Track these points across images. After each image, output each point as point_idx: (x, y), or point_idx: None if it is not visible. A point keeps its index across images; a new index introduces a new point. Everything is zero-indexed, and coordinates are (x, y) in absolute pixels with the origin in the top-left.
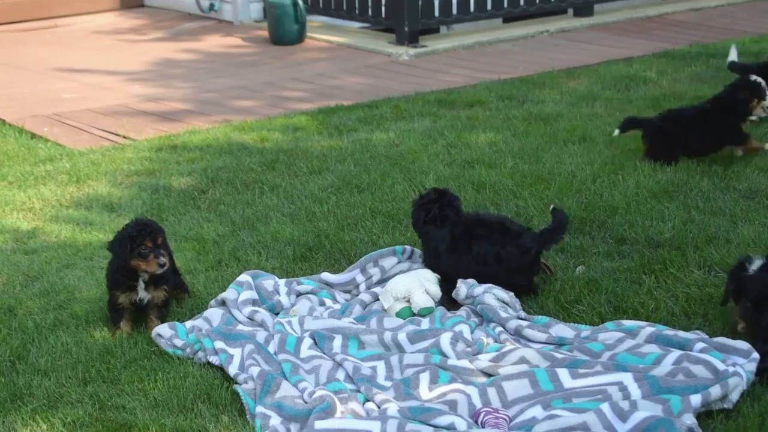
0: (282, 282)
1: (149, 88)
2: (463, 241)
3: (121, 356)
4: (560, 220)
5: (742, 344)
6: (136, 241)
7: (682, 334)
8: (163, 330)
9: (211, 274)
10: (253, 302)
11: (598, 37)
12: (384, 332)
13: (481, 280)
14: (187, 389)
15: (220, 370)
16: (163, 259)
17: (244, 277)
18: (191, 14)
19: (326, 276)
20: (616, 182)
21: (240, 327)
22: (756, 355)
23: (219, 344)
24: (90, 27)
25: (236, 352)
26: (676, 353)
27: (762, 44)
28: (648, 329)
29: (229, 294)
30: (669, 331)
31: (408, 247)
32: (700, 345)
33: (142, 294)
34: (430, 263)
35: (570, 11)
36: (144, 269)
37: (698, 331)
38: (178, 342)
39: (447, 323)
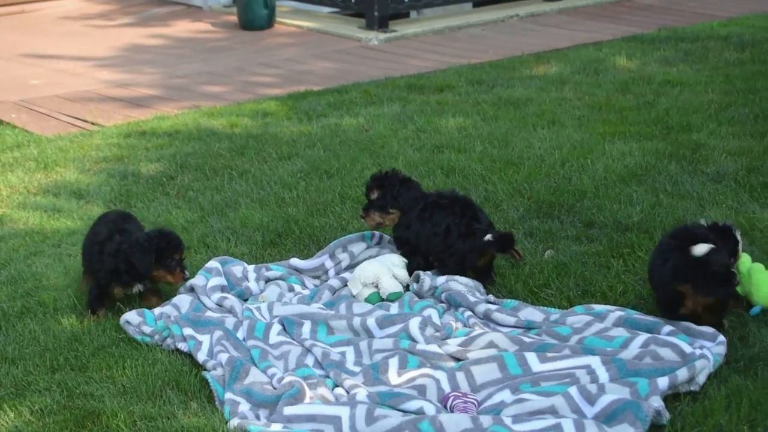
0: (251, 268)
1: (118, 74)
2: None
3: (90, 344)
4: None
5: (708, 328)
6: (165, 253)
7: (650, 318)
8: (131, 317)
9: None
10: (222, 288)
11: (568, 22)
12: (353, 317)
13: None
14: (156, 376)
15: (189, 356)
16: (187, 273)
17: (212, 264)
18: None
19: (295, 262)
20: (584, 166)
21: (209, 313)
22: (722, 338)
23: (187, 331)
24: (58, 12)
25: (205, 339)
26: (643, 336)
27: (730, 28)
28: (617, 313)
29: (197, 280)
30: (637, 315)
31: (377, 233)
32: (667, 328)
33: (138, 287)
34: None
35: None
36: (168, 280)
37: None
38: (147, 329)
39: (416, 308)
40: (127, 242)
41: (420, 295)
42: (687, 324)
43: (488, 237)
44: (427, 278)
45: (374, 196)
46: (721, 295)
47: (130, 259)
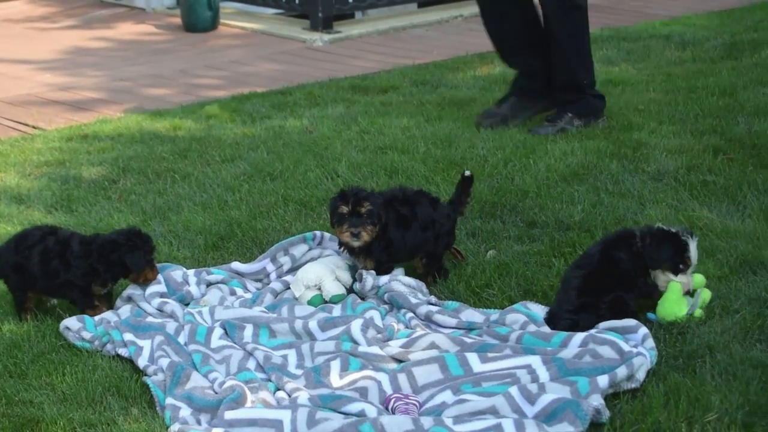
0: (191, 272)
1: (60, 77)
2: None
3: (29, 350)
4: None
5: (629, 321)
6: (147, 250)
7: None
8: (71, 323)
9: None
10: (162, 294)
11: None
12: (295, 320)
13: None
14: (96, 382)
15: (130, 362)
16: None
17: None
18: (103, 1)
19: (236, 265)
20: (527, 166)
21: (149, 319)
22: (645, 329)
23: (128, 336)
24: None
25: (146, 344)
26: (581, 334)
27: (672, 27)
28: (519, 332)
29: (133, 290)
30: (546, 331)
31: (318, 233)
32: (593, 330)
33: (109, 288)
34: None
35: None
36: (148, 277)
37: None
38: (87, 335)
39: (358, 310)
40: (95, 243)
41: (362, 295)
42: (609, 323)
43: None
44: (369, 278)
45: (365, 209)
46: None
47: (110, 258)
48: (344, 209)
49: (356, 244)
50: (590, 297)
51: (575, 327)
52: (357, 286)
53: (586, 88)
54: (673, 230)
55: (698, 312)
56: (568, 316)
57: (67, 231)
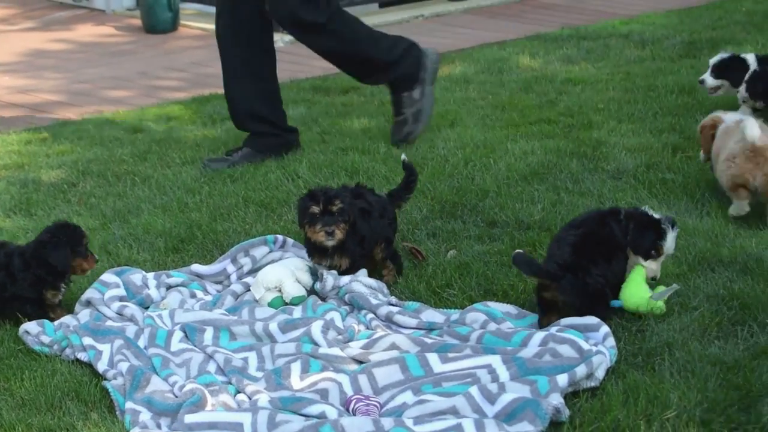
0: (150, 275)
1: (19, 80)
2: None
3: None
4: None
5: (590, 319)
6: (74, 243)
7: (511, 330)
8: (30, 327)
9: None
10: (121, 298)
11: (472, 21)
12: (255, 323)
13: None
14: (55, 387)
15: (89, 366)
16: (97, 257)
17: (108, 277)
18: (62, 3)
19: (196, 267)
20: (487, 165)
21: (109, 323)
22: (606, 328)
23: (87, 340)
24: None
25: (105, 348)
26: (541, 333)
27: (631, 26)
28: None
29: (92, 294)
30: (507, 329)
31: (280, 237)
32: (554, 328)
33: (63, 290)
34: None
35: None
36: (84, 267)
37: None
38: (46, 339)
39: (318, 311)
40: (28, 250)
41: (323, 296)
42: (569, 320)
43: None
44: (330, 278)
45: (337, 207)
46: None
47: (47, 261)
48: (315, 209)
49: (330, 243)
50: (583, 258)
51: (558, 278)
52: (318, 286)
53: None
54: (656, 216)
55: (660, 304)
56: (556, 268)
57: (13, 245)
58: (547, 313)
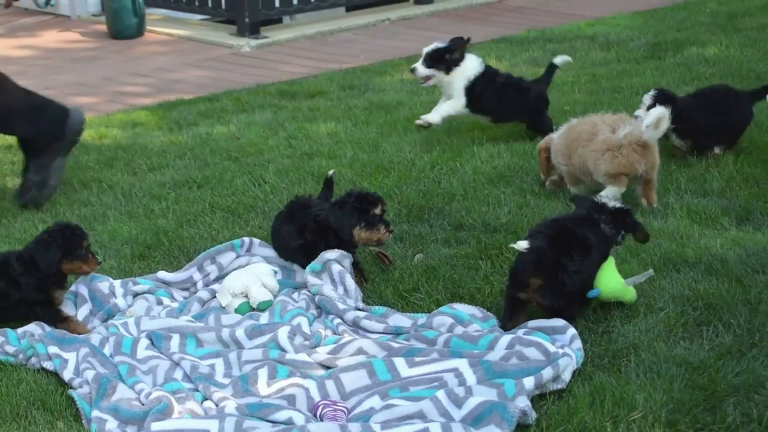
0: (117, 283)
1: None
2: None
3: None
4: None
5: (557, 321)
6: (73, 244)
7: (479, 333)
8: None
9: None
10: (90, 311)
11: (439, 24)
12: (222, 329)
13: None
14: (21, 396)
15: (55, 375)
16: (99, 258)
17: (78, 288)
18: (27, 9)
19: (163, 275)
20: (454, 169)
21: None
22: (573, 330)
23: (53, 349)
24: None
25: (71, 357)
26: (508, 336)
27: (596, 28)
28: (446, 335)
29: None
30: (474, 332)
31: (246, 239)
32: (521, 330)
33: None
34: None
35: None
36: (83, 270)
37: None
38: (10, 348)
39: (286, 317)
40: (26, 253)
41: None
42: (537, 322)
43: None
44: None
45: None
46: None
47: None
48: (378, 211)
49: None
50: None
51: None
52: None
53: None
54: (625, 209)
55: (632, 290)
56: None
57: (8, 251)
58: (515, 315)
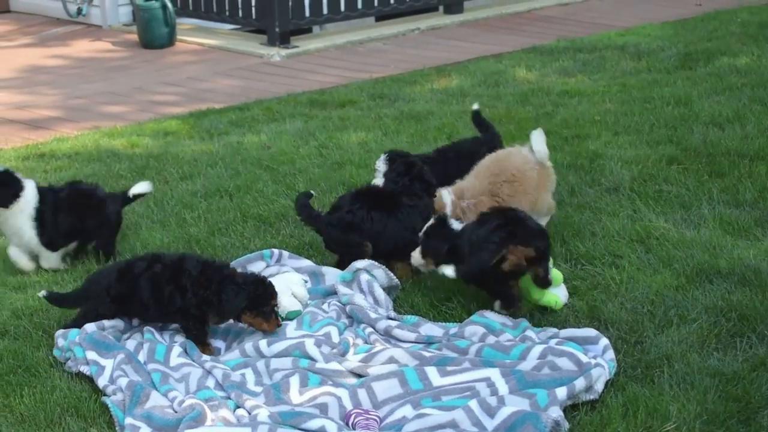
0: None
1: (16, 96)
2: None
3: None
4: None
5: (589, 331)
6: (261, 300)
7: (512, 343)
8: (60, 332)
9: (79, 285)
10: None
11: (469, 34)
12: (245, 343)
13: None
14: (55, 403)
15: (89, 382)
16: (281, 321)
17: None
18: (59, 19)
19: None
20: None
21: (110, 337)
22: (605, 340)
23: (91, 354)
24: None
25: (108, 363)
26: (540, 346)
27: (627, 37)
28: (477, 345)
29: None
30: (506, 341)
31: (276, 251)
32: (553, 341)
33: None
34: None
35: (440, 8)
36: (264, 328)
37: (548, 328)
38: (60, 342)
39: (315, 326)
40: (217, 277)
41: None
42: (569, 332)
43: None
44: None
45: None
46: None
47: (219, 299)
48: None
49: None
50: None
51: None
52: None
53: None
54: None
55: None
56: None
57: (175, 255)
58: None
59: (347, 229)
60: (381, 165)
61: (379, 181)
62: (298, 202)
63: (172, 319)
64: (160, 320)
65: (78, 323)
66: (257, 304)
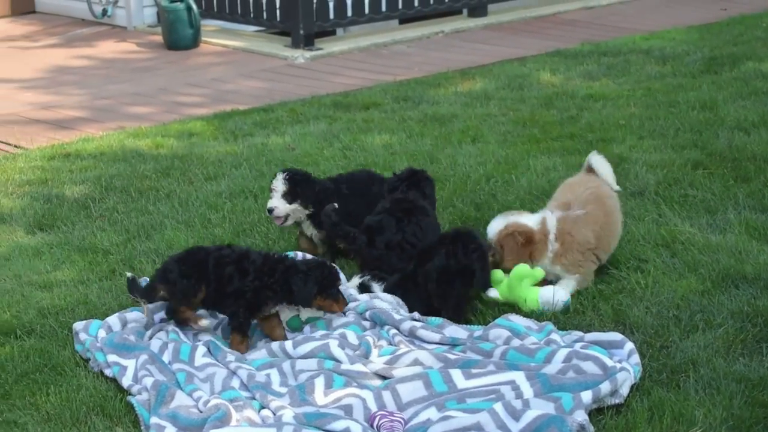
0: None
1: (42, 96)
2: None
3: (13, 371)
4: None
5: (614, 335)
6: (328, 282)
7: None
8: (78, 325)
9: (104, 284)
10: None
11: (493, 37)
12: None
13: None
14: (80, 402)
15: (114, 381)
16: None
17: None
18: (84, 20)
19: None
20: (509, 182)
21: (132, 337)
22: (631, 344)
23: (112, 357)
24: None
25: (130, 364)
26: (565, 350)
27: (651, 41)
28: (502, 347)
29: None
30: (531, 345)
31: (299, 254)
32: (578, 344)
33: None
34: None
35: (464, 12)
36: (334, 309)
37: (573, 331)
38: (83, 336)
39: (332, 331)
40: (280, 266)
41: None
42: (594, 335)
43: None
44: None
45: None
46: None
47: (289, 286)
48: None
49: None
50: None
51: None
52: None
53: None
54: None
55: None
56: None
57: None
58: None
59: (408, 259)
60: (279, 185)
61: (276, 202)
62: (329, 221)
63: (224, 303)
64: (216, 303)
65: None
66: (325, 287)
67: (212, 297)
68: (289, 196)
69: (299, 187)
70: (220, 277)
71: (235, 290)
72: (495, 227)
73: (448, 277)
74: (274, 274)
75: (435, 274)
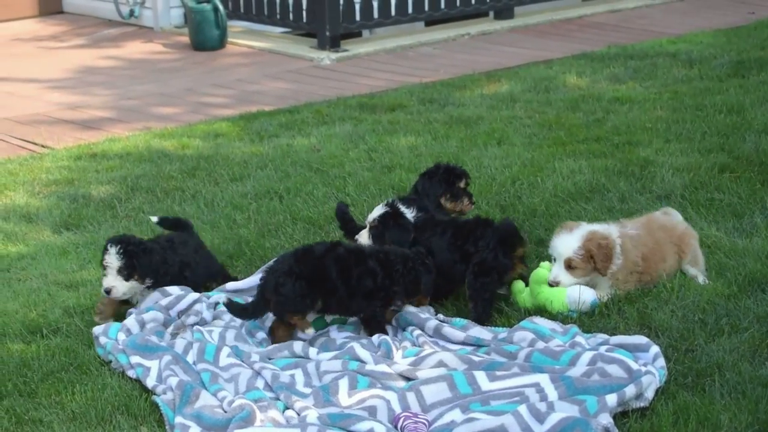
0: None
1: (69, 96)
2: None
3: (39, 369)
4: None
5: (640, 338)
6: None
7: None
8: (97, 330)
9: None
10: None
11: (519, 40)
12: (293, 343)
13: None
14: (106, 401)
15: (139, 381)
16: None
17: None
18: (111, 21)
19: (231, 285)
20: (534, 184)
21: (154, 338)
22: (656, 348)
23: (135, 359)
24: (9, 34)
25: (153, 365)
26: (590, 353)
27: (678, 45)
28: (527, 350)
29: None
30: (556, 347)
31: None
32: (603, 347)
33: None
34: None
35: (491, 14)
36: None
37: (598, 334)
38: (103, 340)
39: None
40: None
41: None
42: (619, 339)
43: None
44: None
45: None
46: None
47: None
48: (462, 185)
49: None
50: None
51: None
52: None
53: None
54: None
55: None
56: None
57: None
58: None
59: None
60: (113, 260)
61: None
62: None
63: (354, 306)
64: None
65: None
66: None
67: (336, 302)
68: (125, 271)
69: (135, 260)
70: (349, 280)
71: (370, 291)
72: (576, 236)
73: (487, 271)
74: (402, 270)
75: (476, 267)
